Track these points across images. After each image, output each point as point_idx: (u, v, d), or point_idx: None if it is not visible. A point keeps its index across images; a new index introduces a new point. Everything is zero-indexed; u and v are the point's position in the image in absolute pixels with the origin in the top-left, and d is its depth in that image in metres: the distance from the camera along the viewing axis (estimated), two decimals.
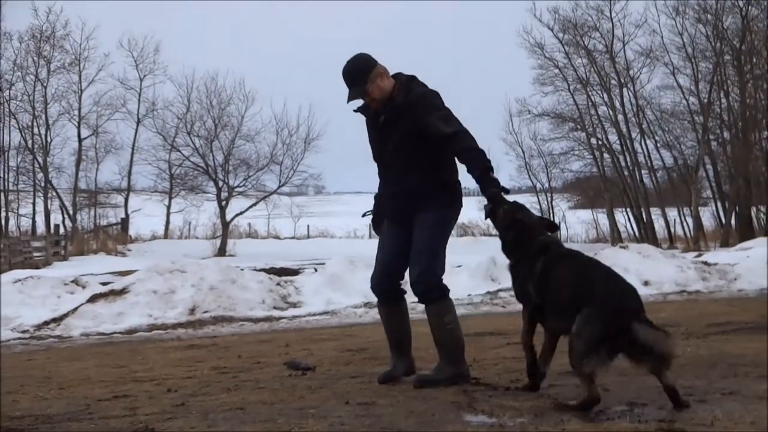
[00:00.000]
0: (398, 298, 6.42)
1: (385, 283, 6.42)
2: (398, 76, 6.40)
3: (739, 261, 18.07)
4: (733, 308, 11.87)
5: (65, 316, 12.87)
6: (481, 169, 6.07)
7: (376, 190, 6.67)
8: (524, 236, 5.79)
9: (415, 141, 6.18)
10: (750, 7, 41.08)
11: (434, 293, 6.17)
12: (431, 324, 6.19)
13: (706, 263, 18.21)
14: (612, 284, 5.27)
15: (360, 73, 6.30)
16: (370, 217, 6.72)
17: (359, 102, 6.40)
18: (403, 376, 6.23)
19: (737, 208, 41.66)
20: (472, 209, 53.90)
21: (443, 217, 6.36)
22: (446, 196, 6.36)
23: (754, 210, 41.73)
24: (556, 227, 6.09)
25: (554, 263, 5.52)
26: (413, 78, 6.44)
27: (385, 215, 6.53)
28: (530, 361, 5.73)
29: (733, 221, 41.70)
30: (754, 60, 42.21)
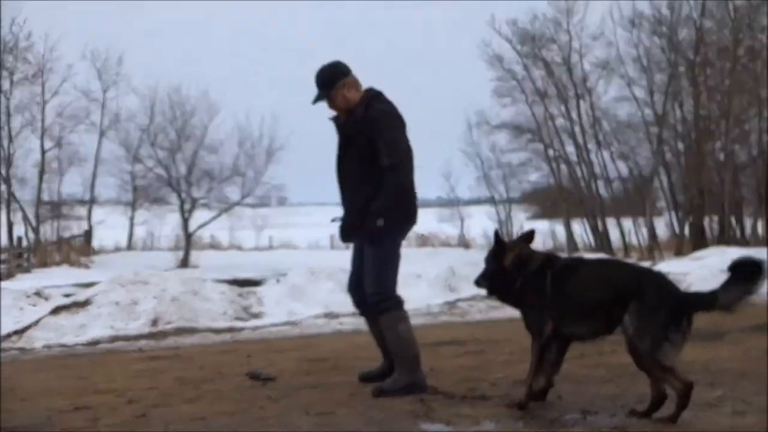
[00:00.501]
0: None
1: (356, 295, 6.60)
2: (367, 91, 6.46)
3: (693, 270, 18.19)
4: None
5: (27, 328, 12.76)
6: (372, 213, 6.23)
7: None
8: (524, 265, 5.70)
9: (368, 157, 6.29)
10: (704, 20, 41.49)
11: (385, 304, 6.28)
12: (385, 334, 6.29)
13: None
14: (649, 273, 5.49)
15: (329, 78, 6.44)
16: (338, 223, 6.72)
17: (328, 107, 6.53)
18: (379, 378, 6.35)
19: (691, 217, 41.99)
20: (432, 221, 54.29)
21: (389, 233, 6.38)
22: (394, 213, 6.37)
23: (707, 220, 42.07)
24: (532, 236, 6.06)
25: (566, 273, 5.52)
26: (378, 95, 6.52)
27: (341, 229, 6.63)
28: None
29: (686, 231, 42.03)
30: (708, 72, 42.57)
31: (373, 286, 6.32)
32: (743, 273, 4.97)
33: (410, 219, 6.65)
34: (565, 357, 5.57)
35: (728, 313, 5.06)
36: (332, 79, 6.45)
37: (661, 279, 5.34)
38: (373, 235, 6.29)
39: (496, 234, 6.18)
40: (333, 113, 6.61)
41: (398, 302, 6.39)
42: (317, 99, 6.51)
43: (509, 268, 5.69)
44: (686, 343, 5.06)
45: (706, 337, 8.76)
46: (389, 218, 6.30)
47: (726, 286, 5.01)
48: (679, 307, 5.04)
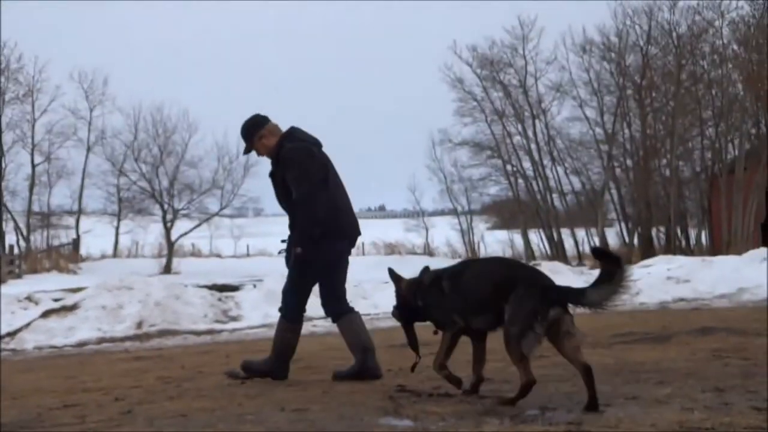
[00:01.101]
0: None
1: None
2: (283, 134, 6.94)
3: (641, 277, 18.26)
4: (635, 320, 12.03)
5: (19, 330, 12.67)
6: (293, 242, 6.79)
7: None
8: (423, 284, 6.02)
9: (288, 191, 6.73)
10: (649, 46, 41.89)
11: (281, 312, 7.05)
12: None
13: None
14: (525, 268, 5.78)
15: (248, 132, 6.97)
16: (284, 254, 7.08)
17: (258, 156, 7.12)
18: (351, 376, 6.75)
19: (639, 228, 42.27)
20: (399, 230, 54.31)
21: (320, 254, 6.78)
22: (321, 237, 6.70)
23: (654, 230, 42.38)
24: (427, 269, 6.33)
25: (459, 273, 5.80)
26: (289, 134, 6.93)
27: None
28: (452, 377, 5.89)
29: (635, 241, 42.30)
30: (654, 94, 42.95)
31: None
32: (609, 273, 5.14)
33: (345, 234, 7.01)
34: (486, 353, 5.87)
35: (598, 310, 5.26)
36: (251, 132, 6.94)
37: (534, 273, 5.58)
38: (295, 261, 6.80)
39: (390, 271, 6.49)
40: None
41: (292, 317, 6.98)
42: (245, 151, 7.12)
43: (409, 295, 6.09)
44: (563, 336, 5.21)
45: (655, 339, 8.81)
46: (309, 244, 6.68)
47: (595, 284, 5.18)
48: (550, 299, 5.17)
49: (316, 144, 6.98)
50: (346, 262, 7.10)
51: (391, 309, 6.33)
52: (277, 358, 6.90)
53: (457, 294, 5.68)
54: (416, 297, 6.02)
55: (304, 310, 7.00)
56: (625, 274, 5.11)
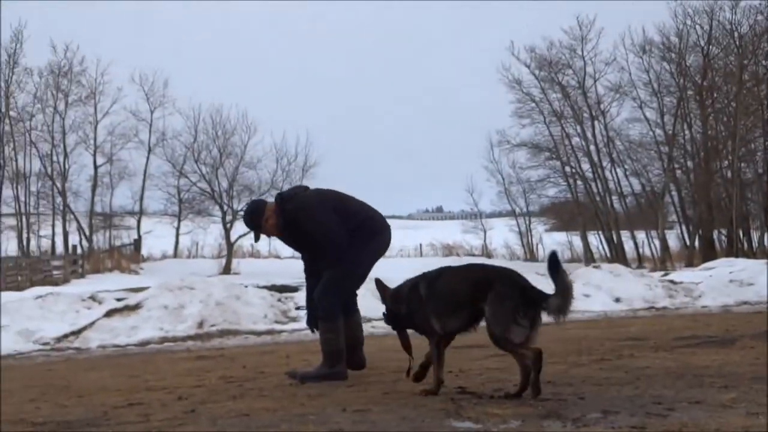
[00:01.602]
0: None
1: None
2: (277, 203, 7.38)
3: (703, 280, 18.06)
4: (697, 323, 11.87)
5: (83, 329, 12.82)
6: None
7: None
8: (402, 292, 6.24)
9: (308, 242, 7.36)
10: (711, 47, 41.36)
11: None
12: None
13: (672, 282, 18.22)
14: (501, 270, 5.94)
15: (254, 222, 7.44)
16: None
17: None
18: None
19: (700, 231, 41.78)
20: (456, 232, 54.20)
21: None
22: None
23: (715, 233, 41.86)
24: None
25: (435, 278, 6.06)
26: (283, 199, 7.35)
27: None
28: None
29: (696, 243, 41.81)
30: (715, 95, 42.47)
31: None
32: (564, 285, 5.58)
33: (380, 241, 7.36)
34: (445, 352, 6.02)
35: (559, 318, 5.56)
36: (257, 221, 7.38)
37: (512, 273, 5.85)
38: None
39: (377, 282, 6.59)
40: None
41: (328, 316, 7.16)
42: (257, 238, 7.71)
43: (393, 303, 6.28)
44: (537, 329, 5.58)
45: (718, 343, 8.69)
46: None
47: (556, 294, 5.57)
48: (529, 298, 5.56)
49: (303, 189, 7.62)
50: None
51: None
52: (327, 362, 7.04)
53: (434, 298, 5.92)
54: (399, 305, 6.21)
55: (339, 308, 7.15)
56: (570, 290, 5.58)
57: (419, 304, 5.98)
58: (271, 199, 7.56)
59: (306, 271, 7.64)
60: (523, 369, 5.56)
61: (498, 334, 5.55)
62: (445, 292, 5.90)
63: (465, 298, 5.75)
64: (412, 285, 6.14)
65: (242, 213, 7.48)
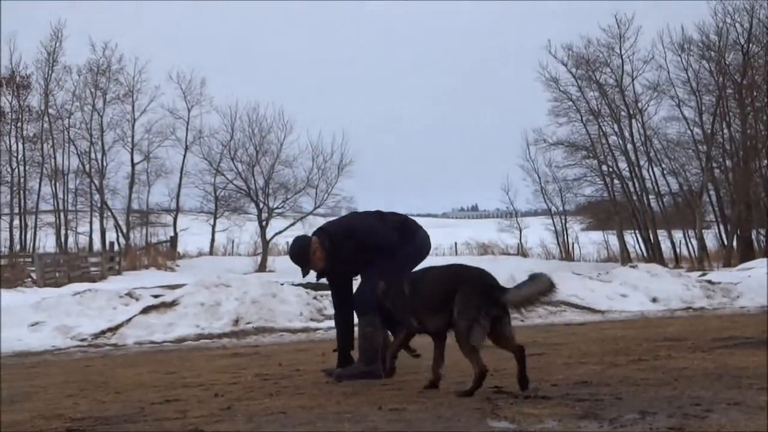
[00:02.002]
0: None
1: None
2: (318, 237, 7.37)
3: (741, 280, 17.90)
4: (735, 324, 11.77)
5: (120, 326, 12.92)
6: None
7: None
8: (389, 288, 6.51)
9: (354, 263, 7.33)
10: (750, 45, 40.99)
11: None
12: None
13: (710, 282, 18.08)
14: (469, 269, 6.19)
15: (304, 258, 7.36)
16: None
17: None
18: None
19: (738, 230, 41.39)
20: (492, 230, 54.05)
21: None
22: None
23: (754, 232, 41.48)
24: None
25: (418, 278, 6.36)
26: (323, 235, 7.37)
27: None
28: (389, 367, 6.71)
29: (734, 243, 41.44)
30: (755, 93, 42.04)
31: None
32: (531, 278, 5.84)
33: (422, 239, 7.44)
34: (444, 352, 6.18)
35: (519, 310, 5.96)
36: (306, 257, 7.33)
37: (478, 273, 6.06)
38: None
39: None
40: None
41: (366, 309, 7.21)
42: (305, 274, 7.49)
43: (381, 298, 6.57)
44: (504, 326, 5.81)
45: (756, 344, 8.61)
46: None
47: (517, 286, 5.86)
48: (492, 297, 5.75)
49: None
50: None
51: None
52: (364, 359, 7.08)
53: (415, 297, 6.18)
54: (387, 300, 6.51)
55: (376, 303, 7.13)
56: (545, 286, 5.76)
57: (403, 301, 6.27)
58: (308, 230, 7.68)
59: (336, 301, 7.70)
60: (475, 376, 5.73)
61: (458, 333, 5.79)
62: (425, 292, 6.14)
63: (439, 299, 5.97)
64: (399, 282, 6.39)
65: (288, 251, 7.34)
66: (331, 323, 13.68)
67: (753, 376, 6.25)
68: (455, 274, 6.14)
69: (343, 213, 60.76)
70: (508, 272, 17.76)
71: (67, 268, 33.37)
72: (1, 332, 11.88)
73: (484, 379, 5.70)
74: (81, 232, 48.18)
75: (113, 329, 12.82)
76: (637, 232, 46.58)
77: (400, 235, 7.21)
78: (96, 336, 12.54)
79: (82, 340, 12.35)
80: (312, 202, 48.57)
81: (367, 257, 7.14)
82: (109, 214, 48.29)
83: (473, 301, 5.74)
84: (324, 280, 7.68)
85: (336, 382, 6.87)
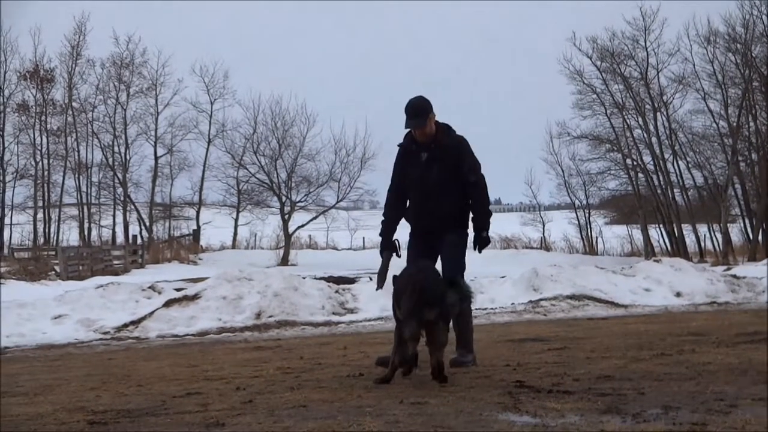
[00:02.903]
0: None
1: None
2: (438, 123, 7.40)
3: (766, 275, 17.81)
4: (760, 319, 11.69)
5: (143, 319, 12.97)
6: (478, 229, 7.41)
7: (386, 215, 7.61)
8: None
9: (452, 176, 7.30)
10: None
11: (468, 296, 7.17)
12: (460, 321, 7.21)
13: (735, 276, 17.99)
14: (418, 267, 6.62)
15: (423, 110, 7.26)
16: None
17: (415, 132, 7.34)
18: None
19: (764, 224, 41.13)
20: (515, 224, 53.90)
21: (465, 237, 7.41)
22: (466, 220, 7.46)
23: None
24: None
25: (397, 277, 6.65)
26: (450, 126, 7.47)
27: (419, 229, 7.53)
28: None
29: (760, 237, 41.19)
30: None
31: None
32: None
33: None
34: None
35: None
36: (426, 112, 7.27)
37: (415, 277, 6.33)
38: (484, 243, 7.42)
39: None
40: (402, 139, 7.55)
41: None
42: (414, 125, 7.28)
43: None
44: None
45: (762, 339, 8.55)
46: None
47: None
48: (425, 300, 6.10)
49: None
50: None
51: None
52: (471, 347, 7.40)
53: (396, 292, 6.53)
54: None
55: None
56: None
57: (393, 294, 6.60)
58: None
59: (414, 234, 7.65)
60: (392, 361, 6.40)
61: (400, 321, 6.26)
62: (397, 288, 6.52)
63: (400, 296, 6.36)
64: (393, 278, 6.69)
65: (410, 104, 7.28)
66: (354, 317, 13.76)
67: (758, 372, 6.20)
68: (409, 275, 6.50)
69: (366, 207, 61.03)
70: (530, 266, 17.77)
71: (90, 261, 33.50)
72: (0, 328, 11.96)
73: (394, 371, 6.35)
74: (104, 226, 48.48)
75: (136, 322, 12.87)
76: (661, 226, 46.35)
77: None
78: (118, 329, 12.59)
79: (105, 333, 12.41)
80: (334, 196, 48.53)
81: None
82: (132, 207, 48.48)
83: (408, 305, 6.11)
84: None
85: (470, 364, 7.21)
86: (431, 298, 6.11)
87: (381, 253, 7.50)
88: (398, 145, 7.56)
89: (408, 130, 7.39)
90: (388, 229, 7.51)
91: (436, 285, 6.31)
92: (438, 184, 7.27)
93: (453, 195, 7.32)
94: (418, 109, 7.23)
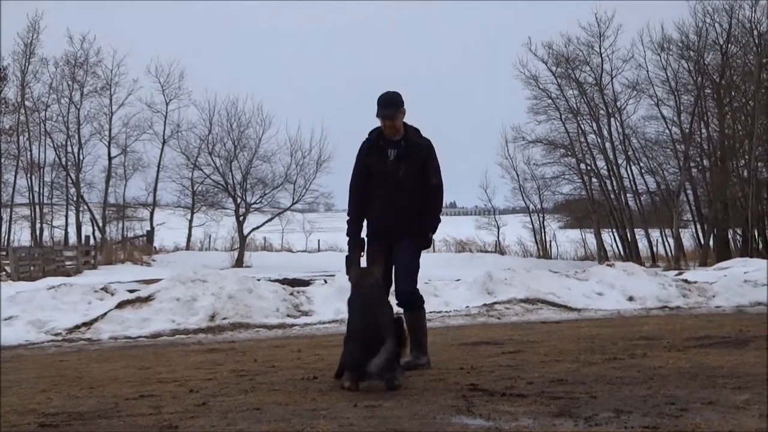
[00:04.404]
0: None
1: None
2: (407, 124, 7.45)
3: (717, 279, 17.99)
4: (711, 323, 11.83)
5: (95, 320, 12.84)
6: (426, 231, 7.42)
7: (352, 214, 7.49)
8: None
9: (417, 177, 7.30)
10: (729, 45, 41.26)
11: (420, 302, 7.42)
12: (420, 324, 7.40)
13: (686, 281, 18.16)
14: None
15: (397, 103, 7.30)
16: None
17: (385, 124, 7.32)
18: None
19: (715, 230, 41.67)
20: (470, 228, 54.11)
21: (423, 241, 7.42)
22: (426, 222, 7.41)
23: (730, 232, 41.76)
24: None
25: None
26: (419, 129, 7.55)
27: (380, 229, 7.37)
28: None
29: (711, 242, 41.71)
30: (733, 94, 42.34)
31: (413, 288, 7.32)
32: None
33: None
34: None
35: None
36: (399, 105, 7.31)
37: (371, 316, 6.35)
38: (427, 244, 7.46)
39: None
40: (374, 128, 7.47)
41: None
42: (386, 115, 7.25)
43: None
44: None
45: (732, 344, 8.67)
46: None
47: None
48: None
49: None
50: None
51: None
52: (425, 349, 7.40)
53: None
54: None
55: None
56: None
57: None
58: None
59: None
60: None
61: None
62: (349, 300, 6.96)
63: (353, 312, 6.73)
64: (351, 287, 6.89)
65: (384, 95, 7.33)
66: (308, 319, 13.73)
67: (727, 376, 6.29)
68: None
69: (322, 209, 60.96)
70: (484, 269, 17.83)
71: (41, 262, 33.12)
72: (1, 327, 11.84)
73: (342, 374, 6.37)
74: (56, 226, 47.98)
75: (88, 324, 12.73)
76: (614, 230, 46.82)
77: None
78: (70, 331, 12.45)
79: (56, 334, 12.26)
80: (290, 198, 48.46)
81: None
82: (85, 207, 48.03)
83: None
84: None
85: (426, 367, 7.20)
86: (374, 346, 5.95)
87: (350, 250, 7.31)
88: (365, 141, 7.47)
89: (374, 128, 7.40)
90: (356, 228, 7.40)
91: (382, 330, 6.12)
92: (405, 184, 7.24)
93: (416, 196, 7.29)
94: (391, 100, 7.25)
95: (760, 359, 7.30)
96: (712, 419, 4.67)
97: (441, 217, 7.62)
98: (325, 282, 16.63)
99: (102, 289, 14.81)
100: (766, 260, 22.24)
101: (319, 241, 54.94)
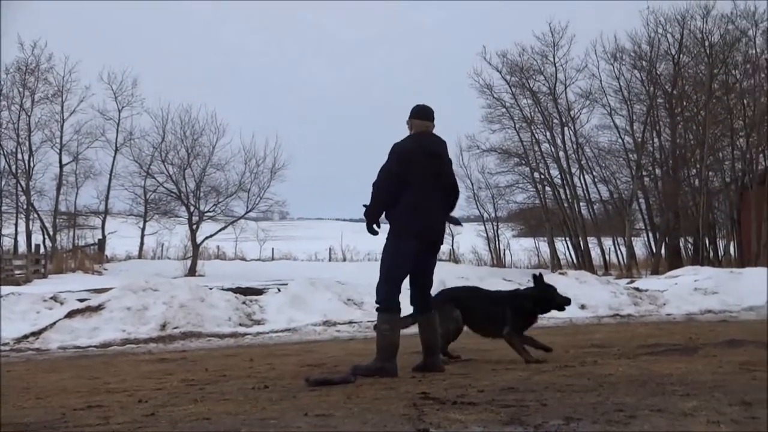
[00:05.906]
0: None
1: (398, 296, 7.56)
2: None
3: (668, 288, 18.20)
4: (661, 331, 11.95)
5: (44, 330, 12.72)
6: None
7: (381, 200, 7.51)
8: None
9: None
10: (681, 55, 41.74)
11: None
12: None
13: (637, 289, 18.34)
14: None
15: (427, 112, 7.77)
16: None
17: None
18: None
19: (667, 238, 42.07)
20: None
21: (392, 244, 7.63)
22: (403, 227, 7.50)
23: (682, 241, 42.19)
24: None
25: None
26: (411, 136, 7.71)
27: (427, 238, 7.58)
28: None
29: (663, 251, 42.10)
30: (685, 103, 42.81)
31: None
32: None
33: (418, 234, 7.52)
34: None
35: None
36: (432, 116, 7.78)
37: None
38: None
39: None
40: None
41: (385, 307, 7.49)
42: (431, 126, 7.76)
43: None
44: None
45: (681, 351, 8.76)
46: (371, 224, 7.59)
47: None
48: None
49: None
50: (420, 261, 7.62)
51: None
52: (380, 355, 7.36)
53: None
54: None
55: (396, 300, 7.50)
56: None
57: None
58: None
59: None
60: None
61: None
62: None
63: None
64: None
65: (424, 106, 7.85)
66: (261, 328, 13.69)
67: (676, 383, 6.35)
68: None
69: (276, 218, 60.73)
70: (438, 278, 17.87)
71: None
72: (0, 329, 11.70)
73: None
74: (6, 234, 47.24)
75: (36, 333, 12.61)
76: (567, 239, 47.08)
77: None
78: (18, 340, 12.33)
79: (4, 344, 12.12)
80: (244, 206, 48.14)
81: None
82: (36, 216, 47.40)
83: None
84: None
85: (353, 376, 7.05)
86: None
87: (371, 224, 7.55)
88: (402, 143, 7.57)
89: (411, 134, 7.67)
90: (378, 212, 7.54)
91: None
92: (443, 195, 7.64)
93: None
94: (431, 113, 7.70)
95: (709, 367, 7.39)
96: (660, 426, 4.71)
97: (374, 208, 7.60)
98: (279, 291, 16.59)
99: (51, 298, 14.68)
100: (715, 268, 22.53)
101: (273, 249, 54.74)
